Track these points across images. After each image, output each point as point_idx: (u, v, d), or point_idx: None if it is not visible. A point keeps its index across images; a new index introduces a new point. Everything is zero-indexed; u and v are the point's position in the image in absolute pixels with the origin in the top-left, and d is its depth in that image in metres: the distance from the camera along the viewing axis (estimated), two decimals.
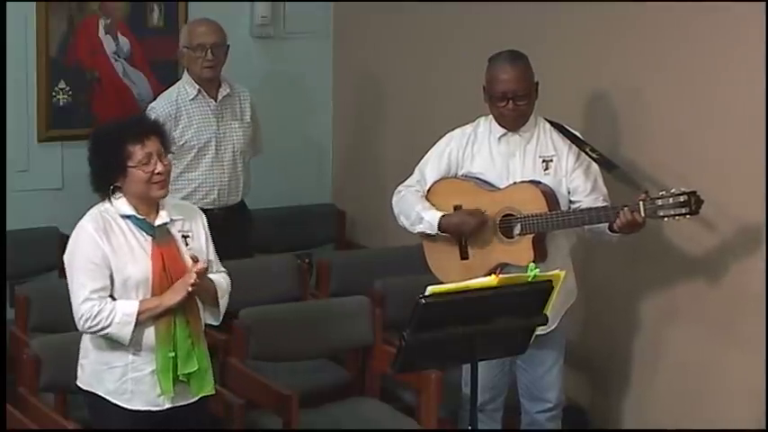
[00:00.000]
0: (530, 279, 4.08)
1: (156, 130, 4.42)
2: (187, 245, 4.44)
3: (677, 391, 5.45)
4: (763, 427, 5.06)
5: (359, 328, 5.53)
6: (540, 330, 4.39)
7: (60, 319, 5.39)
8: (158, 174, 4.35)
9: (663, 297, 5.49)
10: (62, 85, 6.64)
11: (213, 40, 5.97)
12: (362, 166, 7.22)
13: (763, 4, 4.97)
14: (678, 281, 5.41)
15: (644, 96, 5.48)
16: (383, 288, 5.78)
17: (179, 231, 4.44)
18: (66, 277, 4.42)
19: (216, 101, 6.05)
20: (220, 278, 4.52)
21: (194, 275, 4.29)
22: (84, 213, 4.44)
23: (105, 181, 4.37)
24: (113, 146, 4.33)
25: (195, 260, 4.36)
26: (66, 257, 4.40)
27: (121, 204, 4.37)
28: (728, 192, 5.09)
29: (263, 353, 5.37)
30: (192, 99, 6.03)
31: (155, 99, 6.21)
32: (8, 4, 6.33)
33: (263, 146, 6.33)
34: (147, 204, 4.40)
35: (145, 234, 4.37)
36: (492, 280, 4.02)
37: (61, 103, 6.66)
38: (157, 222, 4.40)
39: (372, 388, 5.55)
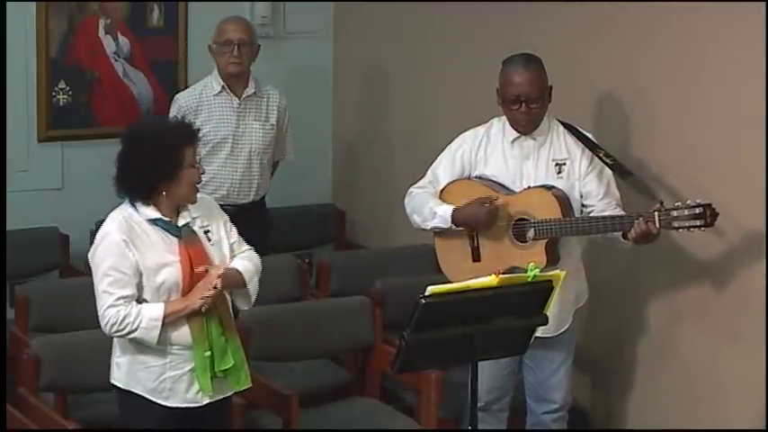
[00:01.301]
0: (530, 279, 4.07)
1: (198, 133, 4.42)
2: (210, 240, 4.42)
3: (679, 392, 5.45)
4: (764, 427, 5.06)
5: (359, 328, 5.53)
6: (549, 332, 4.36)
7: (60, 319, 5.42)
8: (201, 175, 4.37)
9: (666, 299, 5.49)
10: (62, 85, 6.64)
11: (239, 36, 6.01)
12: (362, 166, 7.22)
13: (763, 3, 4.96)
14: (681, 283, 5.40)
15: (649, 97, 5.46)
16: (383, 288, 5.78)
17: (200, 228, 4.42)
18: (91, 276, 4.36)
19: (239, 99, 6.07)
20: (246, 261, 4.48)
21: (214, 282, 4.27)
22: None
23: (149, 183, 4.29)
24: (171, 147, 4.27)
25: (206, 271, 4.33)
26: (92, 260, 4.34)
27: (147, 208, 4.32)
28: (731, 193, 5.08)
29: (263, 353, 5.36)
30: (216, 95, 6.05)
31: (154, 99, 6.21)
32: (8, 4, 6.32)
33: (286, 150, 6.30)
34: (172, 207, 4.36)
35: (170, 236, 4.34)
36: (492, 280, 4.01)
37: (61, 103, 6.65)
38: (181, 222, 4.37)
39: (372, 388, 5.55)
